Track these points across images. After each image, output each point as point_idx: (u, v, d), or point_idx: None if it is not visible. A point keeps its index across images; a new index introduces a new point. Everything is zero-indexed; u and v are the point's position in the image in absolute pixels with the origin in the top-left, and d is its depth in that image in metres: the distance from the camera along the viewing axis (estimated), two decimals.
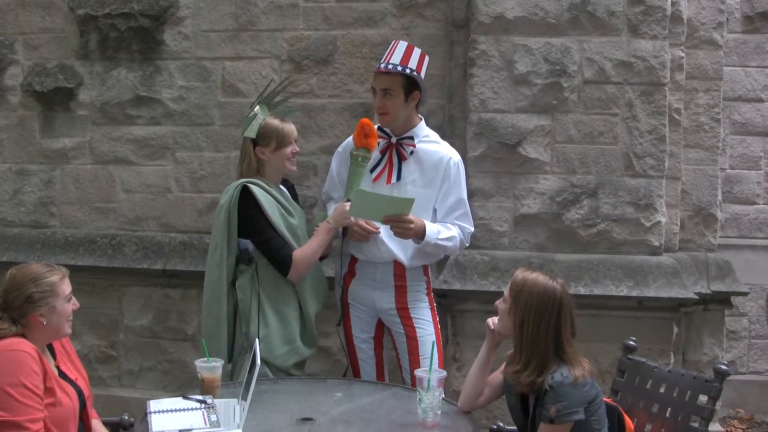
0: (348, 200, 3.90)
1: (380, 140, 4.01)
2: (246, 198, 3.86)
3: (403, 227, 3.82)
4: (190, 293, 5.32)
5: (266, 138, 3.96)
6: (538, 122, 4.91)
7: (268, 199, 3.87)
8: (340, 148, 4.24)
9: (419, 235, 3.87)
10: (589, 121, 4.90)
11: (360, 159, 3.91)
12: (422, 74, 4.00)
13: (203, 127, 5.41)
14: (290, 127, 3.98)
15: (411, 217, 3.83)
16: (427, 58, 4.07)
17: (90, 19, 5.44)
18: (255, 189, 3.85)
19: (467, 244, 4.15)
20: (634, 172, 4.88)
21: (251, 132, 3.98)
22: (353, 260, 4.12)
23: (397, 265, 4.03)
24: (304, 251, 3.86)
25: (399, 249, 4.00)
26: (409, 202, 3.79)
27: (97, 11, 5.42)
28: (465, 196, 4.08)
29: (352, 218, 3.88)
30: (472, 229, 4.13)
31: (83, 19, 5.46)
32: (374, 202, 3.81)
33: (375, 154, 4.00)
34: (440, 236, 3.94)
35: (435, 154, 4.03)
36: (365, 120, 3.94)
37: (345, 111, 5.25)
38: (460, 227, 4.05)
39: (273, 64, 5.31)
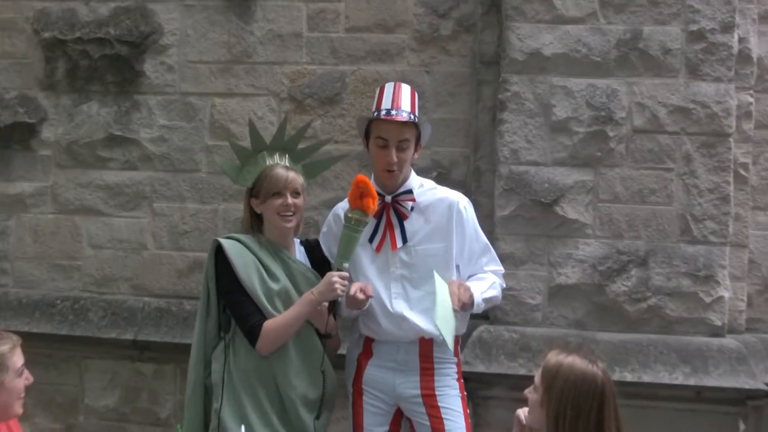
0: (338, 269, 3.87)
1: None
2: (219, 256, 3.90)
3: (462, 294, 3.82)
4: (165, 369, 5.27)
5: (258, 186, 3.97)
6: (578, 177, 4.93)
7: (245, 258, 3.87)
8: (324, 227, 4.23)
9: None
10: (638, 177, 4.91)
11: (353, 222, 3.83)
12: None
13: (187, 174, 5.43)
14: (282, 174, 3.94)
15: (455, 281, 3.85)
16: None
17: (58, 43, 5.48)
18: (229, 246, 3.88)
19: (504, 285, 4.17)
20: (691, 238, 4.86)
21: (246, 181, 4.00)
22: (368, 339, 4.11)
23: (424, 343, 4.01)
24: (277, 321, 3.83)
25: (426, 321, 3.96)
26: (438, 282, 3.79)
27: (66, 35, 5.46)
28: (485, 238, 4.13)
29: (339, 292, 3.82)
30: (503, 269, 4.17)
31: (50, 43, 5.50)
32: (441, 308, 3.74)
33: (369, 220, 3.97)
34: (482, 290, 3.96)
35: (439, 203, 4.04)
36: (361, 177, 3.88)
37: (354, 160, 5.25)
38: (492, 272, 4.09)
39: (270, 102, 5.35)
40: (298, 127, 4.97)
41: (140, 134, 5.45)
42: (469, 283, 3.94)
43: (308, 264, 4.06)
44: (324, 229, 4.21)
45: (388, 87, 4.02)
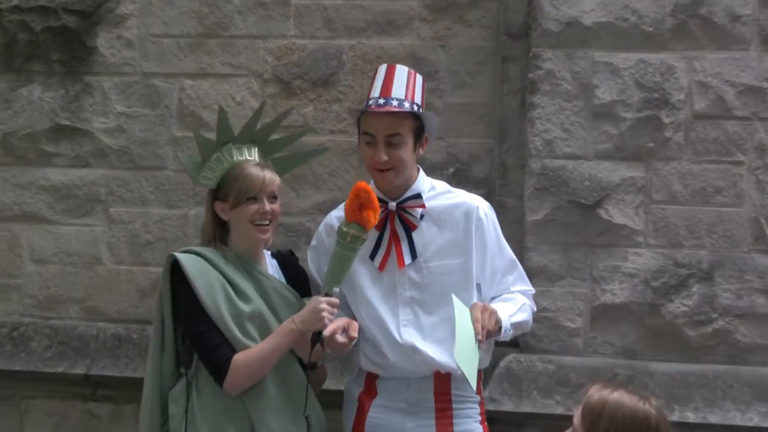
0: (326, 294, 3.84)
1: None
2: (176, 274, 3.89)
3: (487, 321, 3.75)
4: (125, 410, 5.26)
5: (225, 187, 3.94)
6: (627, 173, 4.92)
7: (208, 277, 3.85)
8: (314, 240, 4.19)
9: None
10: (700, 173, 4.88)
11: (349, 239, 3.79)
12: (423, 108, 4.02)
13: (150, 172, 5.42)
14: (259, 174, 3.92)
15: (479, 304, 3.79)
16: (425, 85, 4.09)
17: None
18: (187, 262, 3.86)
19: (535, 308, 4.20)
20: (766, 247, 4.84)
21: (209, 180, 3.99)
22: (371, 375, 4.08)
23: (439, 378, 3.97)
24: (249, 355, 3.79)
25: (442, 352, 3.92)
26: (457, 306, 3.73)
27: (0, 3, 5.45)
28: (511, 251, 4.13)
29: (327, 322, 3.78)
30: (533, 289, 4.19)
31: None
32: (462, 338, 3.68)
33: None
34: (511, 312, 3.92)
35: (455, 209, 4.00)
36: (362, 185, 3.84)
37: (352, 153, 5.22)
38: (521, 293, 4.08)
39: (251, 84, 5.34)
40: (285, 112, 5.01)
41: (93, 124, 5.43)
42: (494, 305, 3.90)
43: (283, 280, 4.06)
44: (313, 242, 4.18)
45: (380, 70, 4.01)
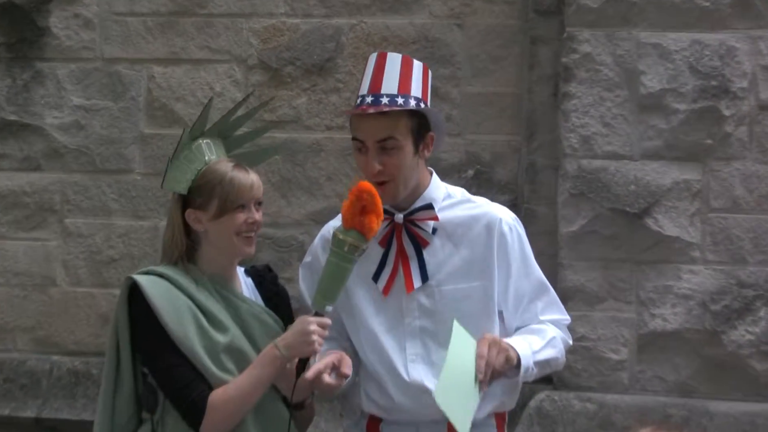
0: (316, 313, 3.73)
1: None
2: (136, 300, 3.78)
3: (494, 359, 3.63)
4: None
5: (204, 193, 3.82)
6: (679, 175, 4.91)
7: (176, 302, 3.76)
8: (308, 256, 4.08)
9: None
10: (767, 174, 4.79)
11: (347, 248, 3.68)
12: (428, 102, 3.92)
13: (114, 176, 5.41)
14: (247, 178, 3.83)
15: (488, 337, 3.68)
16: (430, 73, 3.98)
17: None
18: (150, 285, 3.77)
19: (571, 342, 4.07)
20: None
21: (179, 183, 3.87)
22: (374, 419, 3.99)
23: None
24: (227, 392, 3.69)
25: None
26: (457, 334, 3.65)
27: None
28: (540, 272, 4.01)
29: (317, 346, 3.70)
30: (568, 318, 4.06)
31: None
32: (453, 372, 3.61)
33: (372, 247, 3.84)
34: (536, 347, 3.80)
35: (475, 222, 3.89)
36: (364, 185, 3.70)
37: (352, 153, 5.06)
38: (552, 323, 3.95)
39: (234, 71, 5.34)
40: (272, 104, 5.10)
41: (45, 119, 5.43)
42: (515, 339, 3.81)
43: (260, 301, 3.96)
44: (307, 258, 4.04)
45: (370, 61, 3.90)
